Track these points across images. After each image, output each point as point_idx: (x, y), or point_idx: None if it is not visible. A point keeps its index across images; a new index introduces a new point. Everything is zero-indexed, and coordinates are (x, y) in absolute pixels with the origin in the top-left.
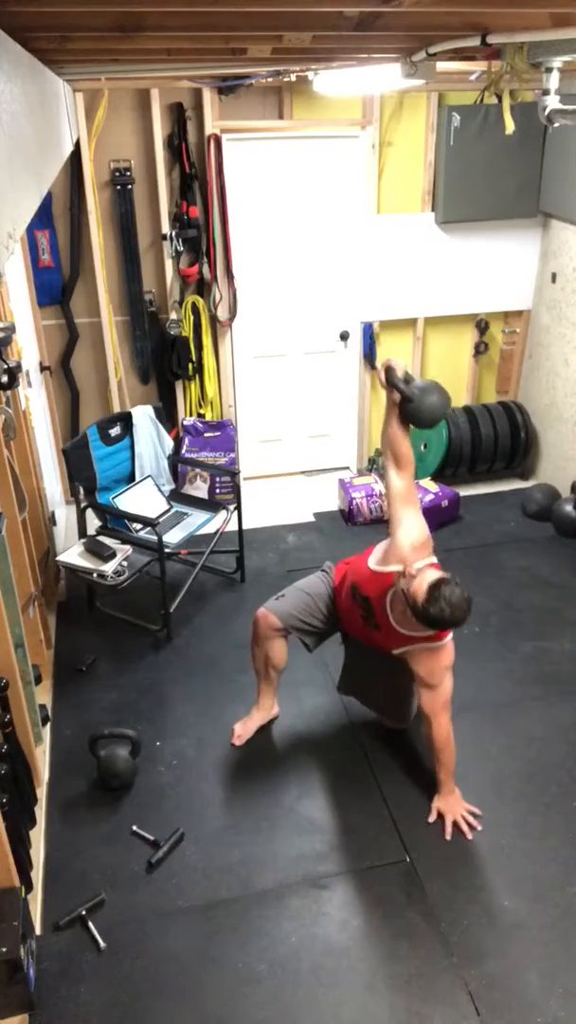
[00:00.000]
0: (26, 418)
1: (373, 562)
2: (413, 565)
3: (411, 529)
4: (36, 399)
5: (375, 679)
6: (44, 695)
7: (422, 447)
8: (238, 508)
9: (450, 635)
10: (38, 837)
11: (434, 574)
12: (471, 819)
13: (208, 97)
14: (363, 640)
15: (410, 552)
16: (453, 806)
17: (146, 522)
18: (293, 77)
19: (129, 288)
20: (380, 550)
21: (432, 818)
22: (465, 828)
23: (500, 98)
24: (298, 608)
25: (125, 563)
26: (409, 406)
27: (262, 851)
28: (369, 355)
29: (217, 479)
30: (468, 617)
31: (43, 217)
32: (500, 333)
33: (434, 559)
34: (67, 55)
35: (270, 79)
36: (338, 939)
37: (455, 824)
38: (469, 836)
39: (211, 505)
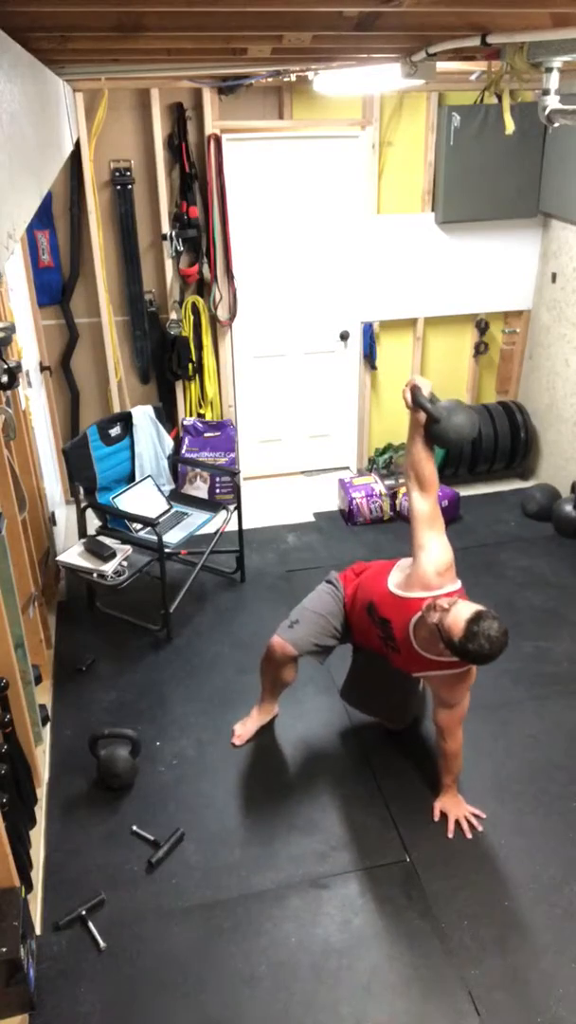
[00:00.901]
0: (26, 418)
1: (394, 585)
2: (441, 594)
3: (436, 554)
4: (36, 399)
5: (382, 688)
6: (44, 695)
7: None
8: (238, 508)
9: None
10: (38, 837)
11: (469, 608)
12: (473, 820)
13: (208, 97)
14: (378, 653)
15: (435, 578)
16: (456, 806)
17: (146, 522)
18: (293, 77)
19: (129, 288)
20: (400, 573)
21: (436, 817)
22: (466, 827)
23: (500, 98)
24: (315, 634)
25: (125, 563)
26: (436, 427)
27: (262, 851)
28: (369, 355)
29: (217, 479)
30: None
31: (43, 217)
32: (500, 333)
33: (458, 583)
34: (67, 55)
35: (270, 79)
36: (338, 939)
37: (457, 823)
38: (469, 835)
39: (211, 505)
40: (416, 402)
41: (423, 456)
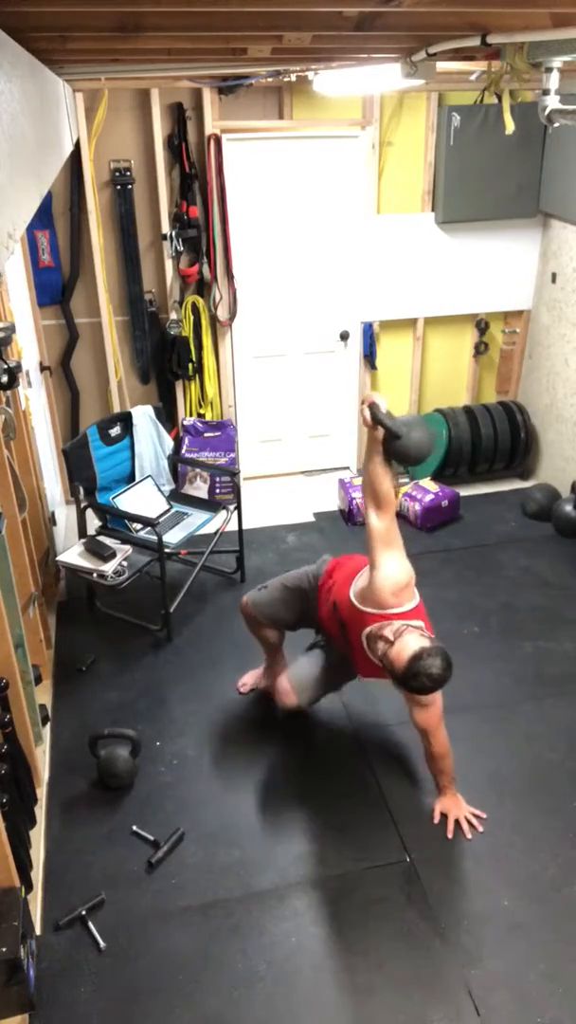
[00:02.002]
0: (26, 418)
1: (353, 594)
2: (395, 613)
3: (391, 572)
4: (36, 399)
5: (329, 673)
6: (44, 695)
7: None
8: (238, 508)
9: None
10: (38, 837)
11: (413, 644)
12: (474, 820)
13: (208, 97)
14: (339, 647)
15: (390, 597)
16: (456, 806)
17: (146, 522)
18: (293, 77)
19: (129, 288)
20: (364, 579)
21: (436, 819)
22: (466, 828)
23: (500, 98)
24: (275, 602)
25: (125, 563)
26: (397, 443)
27: (262, 851)
28: (369, 355)
29: (217, 479)
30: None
31: (43, 217)
32: (500, 333)
33: (416, 600)
34: (67, 55)
35: (270, 79)
36: (338, 939)
37: (457, 823)
38: (469, 836)
39: (211, 505)
40: (376, 419)
41: (380, 473)
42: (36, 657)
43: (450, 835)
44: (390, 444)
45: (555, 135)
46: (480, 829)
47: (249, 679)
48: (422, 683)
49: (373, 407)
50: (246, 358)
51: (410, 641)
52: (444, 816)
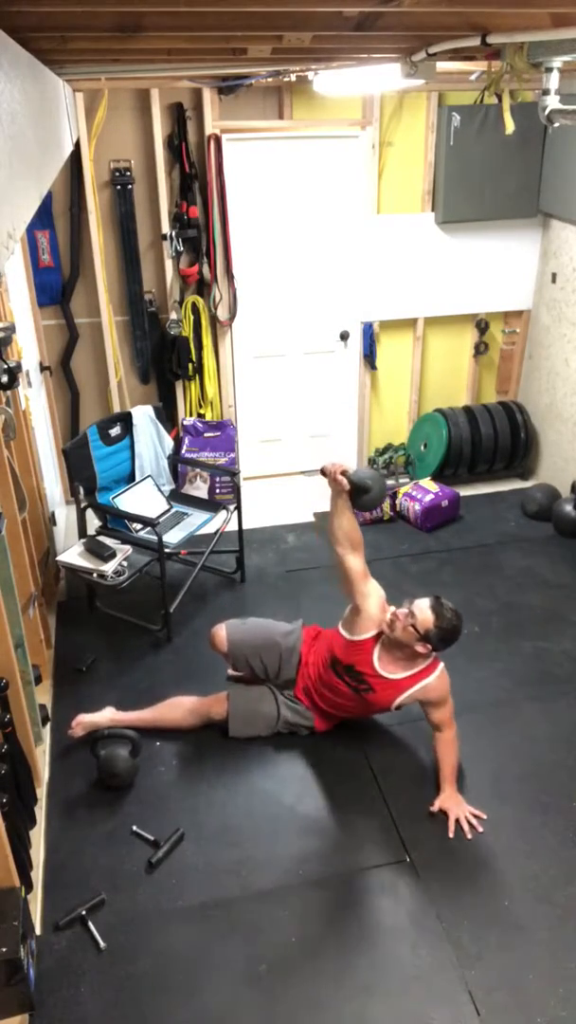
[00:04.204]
0: (26, 418)
1: (348, 636)
2: (392, 611)
3: (376, 597)
4: (36, 399)
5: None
6: (44, 695)
7: (422, 447)
8: (238, 508)
9: (440, 663)
10: (38, 837)
11: (423, 600)
12: (474, 821)
13: (208, 97)
14: (331, 710)
15: (380, 613)
16: (457, 805)
17: (146, 522)
18: (293, 77)
19: (129, 288)
20: (347, 627)
21: (434, 809)
22: (467, 828)
23: (500, 98)
24: (253, 644)
25: (125, 563)
26: (367, 496)
27: (262, 851)
28: (369, 355)
29: (217, 479)
30: None
31: (43, 217)
32: (500, 333)
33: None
34: (67, 55)
35: (270, 79)
36: (338, 939)
37: (457, 823)
38: (470, 836)
39: (211, 505)
40: (353, 481)
41: (353, 523)
42: (36, 657)
43: (451, 835)
44: (358, 498)
45: (555, 135)
46: (480, 830)
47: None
48: (450, 620)
49: (345, 473)
50: (246, 358)
51: (420, 601)
52: (444, 813)
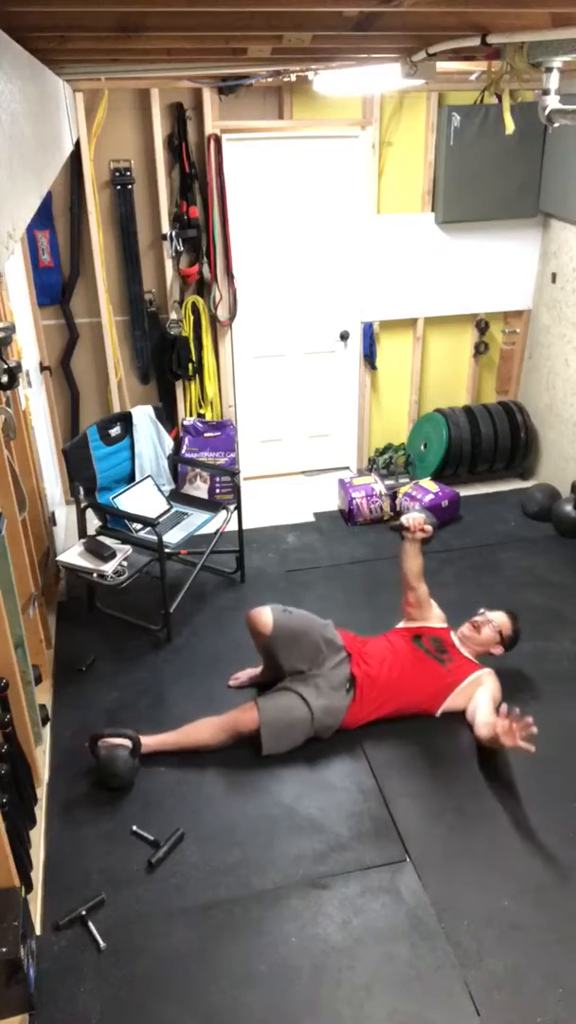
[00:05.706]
0: (26, 418)
1: (425, 622)
2: (473, 620)
3: (436, 607)
4: (36, 399)
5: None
6: (44, 695)
7: (422, 447)
8: (238, 508)
9: None
10: (38, 837)
11: (499, 612)
12: (524, 733)
13: (208, 97)
14: (382, 697)
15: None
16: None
17: (146, 522)
18: (293, 77)
19: (129, 288)
20: (435, 614)
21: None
22: (525, 745)
23: (500, 98)
24: (300, 630)
25: (125, 563)
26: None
27: (262, 851)
28: (369, 355)
29: (217, 479)
30: None
31: (43, 217)
32: (500, 333)
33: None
34: (67, 55)
35: (270, 79)
36: (338, 939)
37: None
38: (532, 748)
39: (211, 505)
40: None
41: (421, 562)
42: (36, 657)
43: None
44: (428, 540)
45: (555, 135)
46: (534, 729)
47: (243, 675)
48: (519, 626)
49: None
50: (246, 358)
51: (489, 613)
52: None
